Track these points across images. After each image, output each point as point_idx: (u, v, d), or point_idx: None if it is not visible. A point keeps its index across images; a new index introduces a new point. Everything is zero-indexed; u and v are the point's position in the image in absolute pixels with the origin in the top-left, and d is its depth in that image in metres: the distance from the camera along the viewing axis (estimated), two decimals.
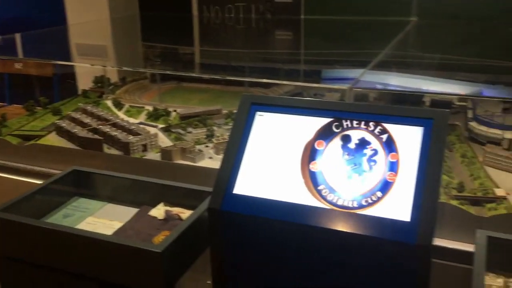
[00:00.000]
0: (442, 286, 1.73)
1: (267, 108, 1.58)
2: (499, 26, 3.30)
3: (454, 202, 1.78)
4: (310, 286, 1.42)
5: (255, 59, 3.57)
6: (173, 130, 2.61)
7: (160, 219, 1.85)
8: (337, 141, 1.44)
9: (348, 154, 1.42)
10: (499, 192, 1.82)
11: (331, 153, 1.43)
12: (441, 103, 2.76)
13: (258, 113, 1.58)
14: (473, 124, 2.37)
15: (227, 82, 3.53)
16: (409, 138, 1.39)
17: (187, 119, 2.74)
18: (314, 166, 1.43)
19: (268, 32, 4.01)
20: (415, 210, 1.29)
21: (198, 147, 2.40)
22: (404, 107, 1.41)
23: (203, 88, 3.57)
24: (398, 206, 1.31)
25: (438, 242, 1.70)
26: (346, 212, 1.34)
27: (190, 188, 1.89)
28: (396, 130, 1.40)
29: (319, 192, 1.39)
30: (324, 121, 1.49)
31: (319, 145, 1.45)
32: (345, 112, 1.47)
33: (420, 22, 3.36)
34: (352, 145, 1.43)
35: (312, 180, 1.42)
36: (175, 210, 1.89)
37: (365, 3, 3.48)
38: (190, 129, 2.59)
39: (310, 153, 1.45)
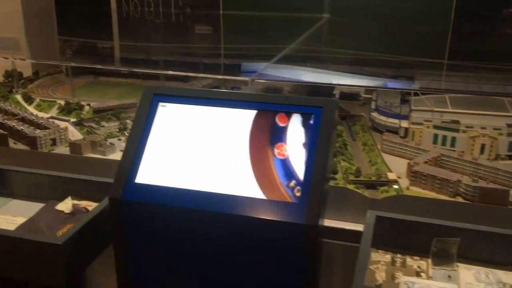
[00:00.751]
0: (338, 264, 1.86)
1: (170, 99, 1.62)
2: (407, 24, 3.52)
3: (351, 186, 1.90)
4: (210, 269, 1.47)
5: (173, 53, 3.57)
6: (85, 124, 2.57)
7: (67, 213, 1.82)
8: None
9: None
10: (391, 176, 1.96)
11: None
12: (347, 94, 2.93)
13: (161, 104, 1.61)
14: (374, 114, 2.53)
15: (146, 76, 3.50)
16: (299, 125, 1.48)
17: (100, 113, 2.71)
18: (213, 154, 1.49)
19: (187, 27, 4.02)
20: (304, 192, 1.38)
21: (110, 140, 2.38)
22: (295, 96, 1.50)
23: (121, 82, 3.52)
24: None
25: (334, 223, 1.82)
26: (239, 197, 1.40)
27: (99, 181, 1.88)
28: (287, 118, 1.49)
29: (219, 178, 1.45)
30: (223, 110, 1.55)
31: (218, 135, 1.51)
32: (242, 102, 1.54)
33: (331, 19, 3.51)
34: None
35: (212, 166, 1.47)
36: (83, 203, 1.87)
37: (280, 0, 3.59)
38: (103, 123, 2.56)
39: (210, 143, 1.51)
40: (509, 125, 2.16)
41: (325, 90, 2.97)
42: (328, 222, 1.84)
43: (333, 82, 2.47)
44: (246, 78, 1.92)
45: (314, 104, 1.49)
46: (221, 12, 3.82)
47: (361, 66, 2.92)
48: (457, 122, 2.21)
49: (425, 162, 1.98)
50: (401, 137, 2.34)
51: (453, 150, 2.16)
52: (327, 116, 1.47)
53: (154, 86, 1.65)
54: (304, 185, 1.39)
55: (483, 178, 1.94)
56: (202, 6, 3.93)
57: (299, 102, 1.51)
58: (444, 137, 2.19)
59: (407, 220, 1.65)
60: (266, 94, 1.89)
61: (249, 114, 1.52)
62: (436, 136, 2.21)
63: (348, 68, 2.88)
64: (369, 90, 2.90)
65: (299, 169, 1.42)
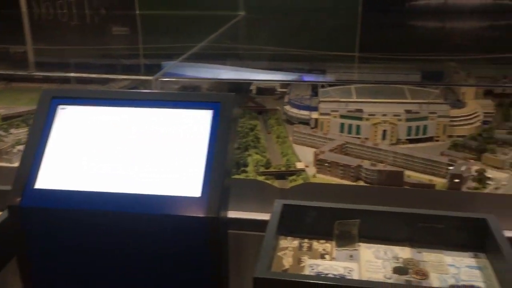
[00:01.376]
0: (251, 254, 1.91)
1: (70, 101, 1.59)
2: (319, 20, 3.66)
3: (261, 178, 1.96)
4: (119, 269, 1.47)
5: (89, 55, 3.49)
6: None
7: None
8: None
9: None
10: (300, 165, 2.05)
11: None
12: (264, 90, 3.00)
13: (60, 106, 1.58)
14: (287, 107, 2.61)
15: (63, 80, 3.40)
16: (199, 121, 1.51)
17: (9, 120, 2.61)
18: (114, 154, 1.49)
19: (103, 28, 3.95)
20: (205, 186, 1.42)
21: (18, 147, 2.30)
22: (194, 93, 1.53)
23: (34, 88, 3.40)
24: (190, 184, 1.43)
25: (245, 215, 1.87)
26: (141, 195, 1.41)
27: (3, 190, 1.82)
28: (187, 114, 1.51)
29: (122, 178, 1.45)
30: (123, 110, 1.55)
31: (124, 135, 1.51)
32: (141, 101, 1.55)
33: (247, 16, 3.58)
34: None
35: (115, 167, 1.47)
36: None
37: None
38: (12, 130, 2.47)
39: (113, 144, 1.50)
40: (407, 111, 2.31)
41: (242, 86, 3.04)
42: (238, 214, 1.90)
43: (244, 78, 2.52)
44: (150, 77, 1.93)
45: (212, 100, 1.53)
46: (137, 12, 3.78)
47: (275, 61, 3.01)
48: (360, 110, 2.33)
49: (330, 150, 2.08)
50: (312, 128, 2.44)
51: (359, 137, 2.28)
52: (225, 110, 1.51)
53: (53, 89, 1.62)
54: (205, 179, 1.42)
55: (384, 162, 2.07)
56: (117, 7, 3.87)
57: (197, 99, 1.54)
58: (350, 126, 2.31)
59: (311, 206, 1.73)
60: (165, 92, 1.90)
61: (149, 113, 1.53)
62: (342, 125, 2.33)
63: (263, 63, 2.95)
64: (284, 84, 2.99)
65: (200, 164, 1.45)
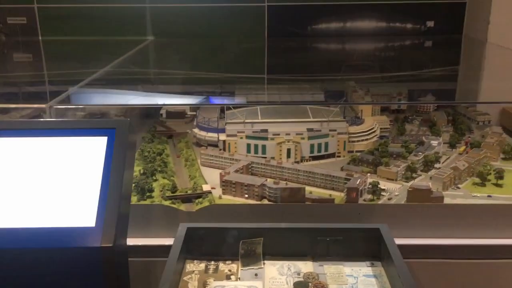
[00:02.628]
0: (157, 281, 1.88)
1: None
2: (227, 43, 3.74)
3: (166, 202, 1.95)
4: None
5: None
6: None
7: None
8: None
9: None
10: (206, 187, 2.06)
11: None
12: (174, 113, 3.01)
13: None
14: (195, 130, 2.63)
15: None
16: (94, 148, 1.48)
17: None
18: (10, 188, 1.42)
19: (3, 55, 3.77)
20: (99, 215, 1.38)
21: None
22: (87, 120, 1.50)
23: None
24: (84, 213, 1.39)
25: (149, 241, 1.85)
26: (35, 229, 1.36)
27: None
28: (81, 142, 1.48)
29: (19, 212, 1.38)
30: (15, 141, 1.49)
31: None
32: (33, 130, 1.50)
33: (155, 40, 3.58)
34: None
35: (12, 200, 1.40)
36: None
37: (102, 24, 3.55)
38: None
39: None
40: (309, 130, 2.41)
41: (150, 111, 3.02)
42: (144, 241, 1.87)
43: (146, 102, 2.52)
44: (43, 105, 1.87)
45: (107, 126, 1.51)
46: (40, 38, 3.65)
47: (184, 84, 3.02)
48: (265, 131, 2.40)
49: (236, 171, 2.12)
50: (220, 150, 2.47)
51: (265, 157, 2.34)
52: (120, 136, 1.50)
53: None
54: (99, 208, 1.39)
55: (288, 179, 2.14)
56: (19, 33, 3.71)
57: (91, 125, 1.51)
58: (256, 146, 2.37)
59: (215, 227, 1.75)
60: (58, 120, 1.85)
61: (42, 142, 1.48)
62: (249, 145, 2.38)
63: (170, 87, 2.96)
64: (194, 108, 3.01)
65: (95, 193, 1.42)
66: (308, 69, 3.40)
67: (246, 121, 2.45)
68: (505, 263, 1.89)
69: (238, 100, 2.88)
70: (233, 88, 3.17)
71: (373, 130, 2.61)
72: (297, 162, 2.34)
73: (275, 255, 1.76)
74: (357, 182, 1.97)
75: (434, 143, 2.44)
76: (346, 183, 2.02)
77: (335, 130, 2.42)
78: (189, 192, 2.03)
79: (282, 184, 1.99)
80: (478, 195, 2.02)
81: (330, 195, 2.02)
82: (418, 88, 3.28)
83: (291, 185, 2.01)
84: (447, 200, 1.96)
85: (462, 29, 3.69)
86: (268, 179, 2.07)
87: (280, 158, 2.34)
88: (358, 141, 2.52)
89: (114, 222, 1.38)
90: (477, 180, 2.15)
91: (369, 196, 2.00)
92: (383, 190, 2.06)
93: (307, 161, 2.38)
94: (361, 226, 1.79)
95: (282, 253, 1.77)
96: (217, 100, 2.95)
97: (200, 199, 1.98)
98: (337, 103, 2.73)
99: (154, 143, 2.63)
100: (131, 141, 1.55)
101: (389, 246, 1.65)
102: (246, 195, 1.98)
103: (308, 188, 2.05)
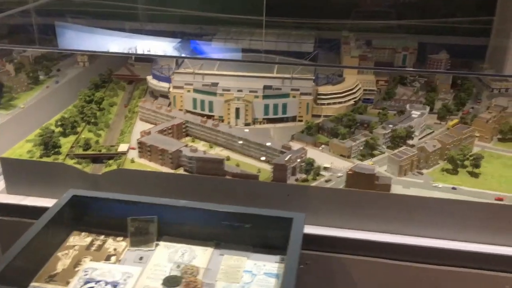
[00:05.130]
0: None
1: None
2: None
3: (71, 162, 1.72)
4: None
5: None
6: None
7: None
8: None
9: None
10: (122, 147, 1.80)
11: None
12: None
13: None
14: (149, 78, 2.35)
15: None
16: None
17: None
18: None
19: None
20: None
21: None
22: None
23: None
24: None
25: (39, 202, 1.64)
26: None
27: None
28: None
29: None
30: None
31: None
32: None
33: None
34: None
35: None
36: None
37: None
38: None
39: None
40: (266, 87, 2.06)
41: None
42: (35, 201, 1.67)
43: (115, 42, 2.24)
44: None
45: None
46: None
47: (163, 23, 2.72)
48: (216, 84, 2.07)
49: (161, 131, 1.84)
50: (170, 103, 2.18)
51: (212, 115, 2.04)
52: None
53: None
54: None
55: (222, 145, 1.84)
56: None
57: None
58: (202, 102, 2.06)
59: (103, 198, 1.50)
60: None
61: None
62: (195, 100, 2.07)
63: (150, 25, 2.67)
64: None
65: None
66: (313, 12, 2.95)
67: (197, 71, 2.13)
68: (446, 271, 1.53)
69: (214, 46, 2.56)
70: (215, 30, 2.84)
71: (351, 92, 2.21)
72: (247, 124, 2.02)
73: (174, 236, 1.51)
74: (286, 158, 1.63)
75: (415, 113, 2.01)
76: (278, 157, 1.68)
77: (297, 90, 2.05)
78: (103, 151, 1.78)
79: (200, 152, 1.69)
80: (440, 186, 1.62)
81: (259, 170, 1.70)
82: (433, 42, 2.77)
83: (209, 155, 1.71)
84: (396, 189, 1.58)
85: None
86: (190, 145, 1.78)
87: (228, 118, 2.03)
88: (328, 104, 2.14)
89: None
90: (448, 166, 1.73)
91: (304, 176, 1.66)
92: (326, 169, 1.70)
93: (260, 123, 2.05)
94: (274, 214, 1.48)
95: (183, 235, 1.51)
96: (194, 44, 2.61)
97: (112, 161, 1.73)
98: (313, 64, 2.29)
99: (106, 89, 2.39)
100: None
101: (292, 241, 1.35)
102: (161, 161, 1.70)
103: (241, 159, 1.75)
